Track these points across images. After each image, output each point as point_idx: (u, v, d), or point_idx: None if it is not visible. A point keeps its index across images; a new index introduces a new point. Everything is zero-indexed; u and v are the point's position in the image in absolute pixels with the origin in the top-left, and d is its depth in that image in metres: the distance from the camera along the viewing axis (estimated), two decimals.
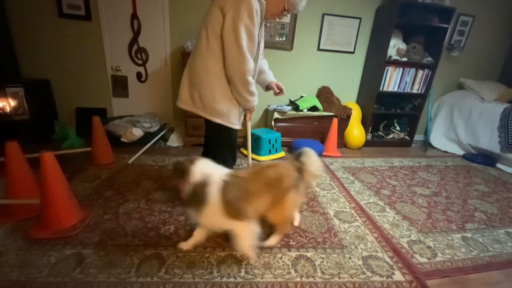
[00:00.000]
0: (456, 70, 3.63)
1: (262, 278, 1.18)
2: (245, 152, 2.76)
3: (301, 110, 2.95)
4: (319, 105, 3.04)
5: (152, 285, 1.10)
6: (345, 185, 2.20)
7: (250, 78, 1.36)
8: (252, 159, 2.62)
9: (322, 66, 3.31)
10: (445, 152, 3.40)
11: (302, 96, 3.22)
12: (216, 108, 1.42)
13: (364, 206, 1.88)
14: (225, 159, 1.63)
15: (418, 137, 3.78)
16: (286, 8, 1.43)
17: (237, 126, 1.53)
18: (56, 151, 1.82)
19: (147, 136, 2.71)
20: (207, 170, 1.16)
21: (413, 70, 3.15)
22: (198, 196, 1.11)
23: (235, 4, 1.24)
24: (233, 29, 1.25)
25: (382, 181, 2.35)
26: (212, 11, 1.31)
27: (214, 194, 1.11)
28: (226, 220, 1.15)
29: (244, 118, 1.70)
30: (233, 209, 1.13)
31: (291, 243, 1.43)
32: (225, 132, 1.51)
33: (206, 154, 1.80)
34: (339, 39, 3.20)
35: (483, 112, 3.07)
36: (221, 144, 1.58)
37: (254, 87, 1.43)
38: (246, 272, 1.21)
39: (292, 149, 2.88)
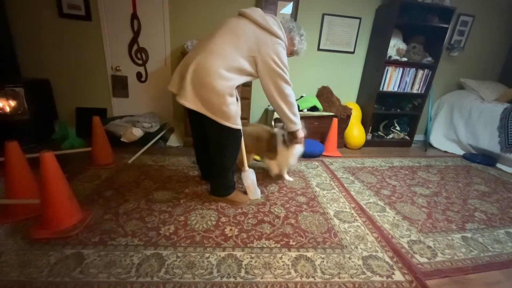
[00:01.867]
0: (456, 70, 3.63)
1: (262, 278, 1.18)
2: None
3: (301, 110, 2.94)
4: (319, 105, 3.03)
5: (152, 285, 1.10)
6: (345, 185, 2.20)
7: (294, 102, 1.73)
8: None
9: (322, 66, 3.31)
10: (445, 152, 3.40)
11: (302, 96, 3.22)
12: (225, 111, 1.46)
13: (364, 206, 1.88)
14: (234, 157, 1.68)
15: (418, 137, 3.78)
16: (293, 53, 1.76)
17: (240, 126, 1.58)
18: (56, 151, 1.81)
19: (147, 136, 2.71)
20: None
21: (413, 70, 3.15)
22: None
23: (274, 48, 1.50)
24: (277, 72, 1.54)
25: (382, 181, 2.35)
26: (244, 33, 1.47)
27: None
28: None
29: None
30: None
31: (291, 243, 1.43)
32: (231, 133, 1.57)
33: (206, 153, 1.83)
34: (339, 39, 3.20)
35: (483, 112, 3.07)
36: (228, 144, 1.63)
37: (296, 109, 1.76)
38: (246, 272, 1.21)
39: None
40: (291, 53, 1.74)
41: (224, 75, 1.42)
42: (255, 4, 2.88)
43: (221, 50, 1.43)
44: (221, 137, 1.59)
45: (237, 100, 1.55)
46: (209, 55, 1.42)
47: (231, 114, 1.48)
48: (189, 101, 1.45)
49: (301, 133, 1.85)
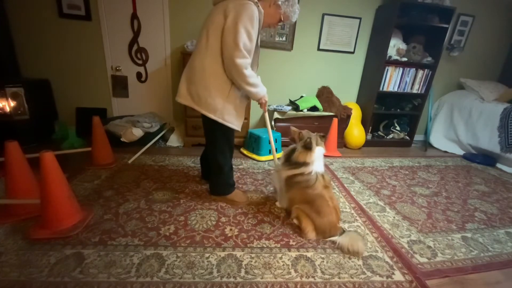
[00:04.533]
0: (456, 70, 3.63)
1: (262, 278, 1.18)
2: (245, 152, 2.76)
3: (301, 110, 2.94)
4: (319, 105, 3.03)
5: (152, 285, 1.10)
6: (345, 185, 2.20)
7: (246, 71, 1.40)
8: (252, 159, 2.62)
9: (322, 66, 3.30)
10: (445, 152, 3.40)
11: (302, 96, 3.22)
12: (211, 104, 1.47)
13: (364, 206, 1.88)
14: (224, 153, 1.67)
15: (418, 137, 3.77)
16: (282, 19, 1.54)
17: (231, 124, 1.54)
18: (56, 151, 1.82)
19: (147, 136, 2.71)
20: (316, 160, 1.59)
21: (413, 70, 3.15)
22: (294, 165, 1.57)
23: (237, 7, 1.33)
24: (233, 28, 1.33)
25: (382, 181, 2.35)
26: (215, 14, 1.39)
27: (302, 177, 1.53)
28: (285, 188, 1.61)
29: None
30: (292, 195, 1.58)
31: (291, 243, 1.43)
32: (219, 128, 1.55)
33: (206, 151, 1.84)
34: (339, 39, 3.20)
35: (483, 112, 3.07)
36: (216, 139, 1.63)
37: (254, 79, 1.46)
38: (246, 272, 1.21)
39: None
40: (280, 20, 1.54)
41: (208, 68, 1.43)
42: None
43: (201, 45, 1.44)
44: (209, 131, 1.62)
45: (227, 96, 1.49)
46: (195, 55, 1.49)
47: (217, 107, 1.48)
48: (181, 97, 1.52)
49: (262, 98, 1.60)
